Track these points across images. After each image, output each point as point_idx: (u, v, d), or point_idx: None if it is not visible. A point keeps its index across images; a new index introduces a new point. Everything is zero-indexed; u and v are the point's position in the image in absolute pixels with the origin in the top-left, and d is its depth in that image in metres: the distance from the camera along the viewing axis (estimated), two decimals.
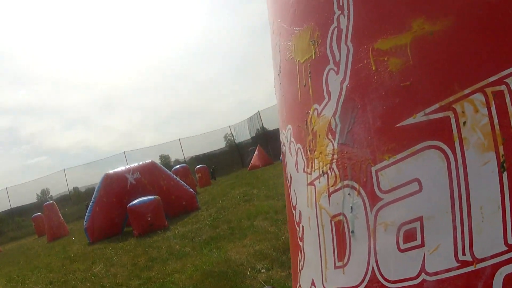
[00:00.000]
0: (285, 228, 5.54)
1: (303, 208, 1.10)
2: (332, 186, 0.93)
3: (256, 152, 24.41)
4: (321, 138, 0.98)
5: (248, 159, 27.66)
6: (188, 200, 11.62)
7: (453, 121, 0.66)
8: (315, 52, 1.00)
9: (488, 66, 0.64)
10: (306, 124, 1.06)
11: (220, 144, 38.13)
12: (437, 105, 0.68)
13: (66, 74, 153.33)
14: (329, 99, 0.94)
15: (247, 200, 9.75)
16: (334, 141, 0.92)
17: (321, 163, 0.98)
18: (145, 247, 7.51)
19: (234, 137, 36.62)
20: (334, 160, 0.92)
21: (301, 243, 1.13)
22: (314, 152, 1.01)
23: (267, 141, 28.06)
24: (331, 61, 0.94)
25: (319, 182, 0.99)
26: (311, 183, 1.03)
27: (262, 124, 31.56)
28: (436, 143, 0.68)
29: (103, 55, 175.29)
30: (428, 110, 0.69)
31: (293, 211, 1.19)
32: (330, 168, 0.94)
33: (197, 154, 35.90)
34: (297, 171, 1.14)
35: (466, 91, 0.65)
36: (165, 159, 37.60)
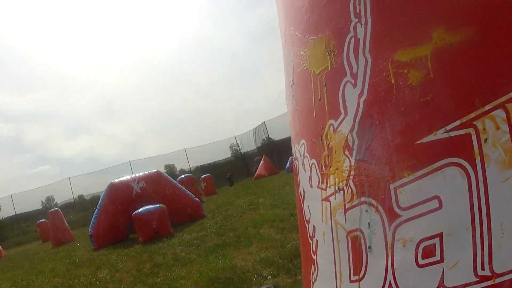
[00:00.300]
0: (291, 236, 5.52)
1: (317, 222, 1.08)
2: (348, 202, 0.91)
3: (261, 162, 24.48)
4: (337, 154, 0.95)
5: (253, 168, 27.66)
6: (193, 208, 11.60)
7: (474, 138, 0.64)
8: (331, 63, 0.96)
9: (508, 79, 0.62)
10: (321, 139, 1.03)
11: (226, 154, 38.37)
12: (458, 122, 0.67)
13: (69, 81, 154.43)
14: (346, 114, 0.91)
15: (252, 209, 9.71)
16: (351, 157, 0.90)
17: (336, 179, 0.95)
18: (150, 254, 7.50)
19: (240, 147, 36.77)
20: (351, 177, 0.89)
21: (314, 257, 1.11)
22: (330, 168, 0.99)
23: (272, 151, 28.11)
24: (348, 73, 0.90)
25: (335, 198, 0.96)
26: (326, 199, 1.01)
27: (268, 134, 31.66)
28: (457, 160, 0.66)
29: (108, 62, 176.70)
30: (449, 127, 0.68)
31: (306, 225, 1.17)
32: (346, 185, 0.91)
33: (202, 163, 36.09)
34: (311, 186, 1.11)
35: (487, 107, 0.63)
36: (170, 168, 37.66)
